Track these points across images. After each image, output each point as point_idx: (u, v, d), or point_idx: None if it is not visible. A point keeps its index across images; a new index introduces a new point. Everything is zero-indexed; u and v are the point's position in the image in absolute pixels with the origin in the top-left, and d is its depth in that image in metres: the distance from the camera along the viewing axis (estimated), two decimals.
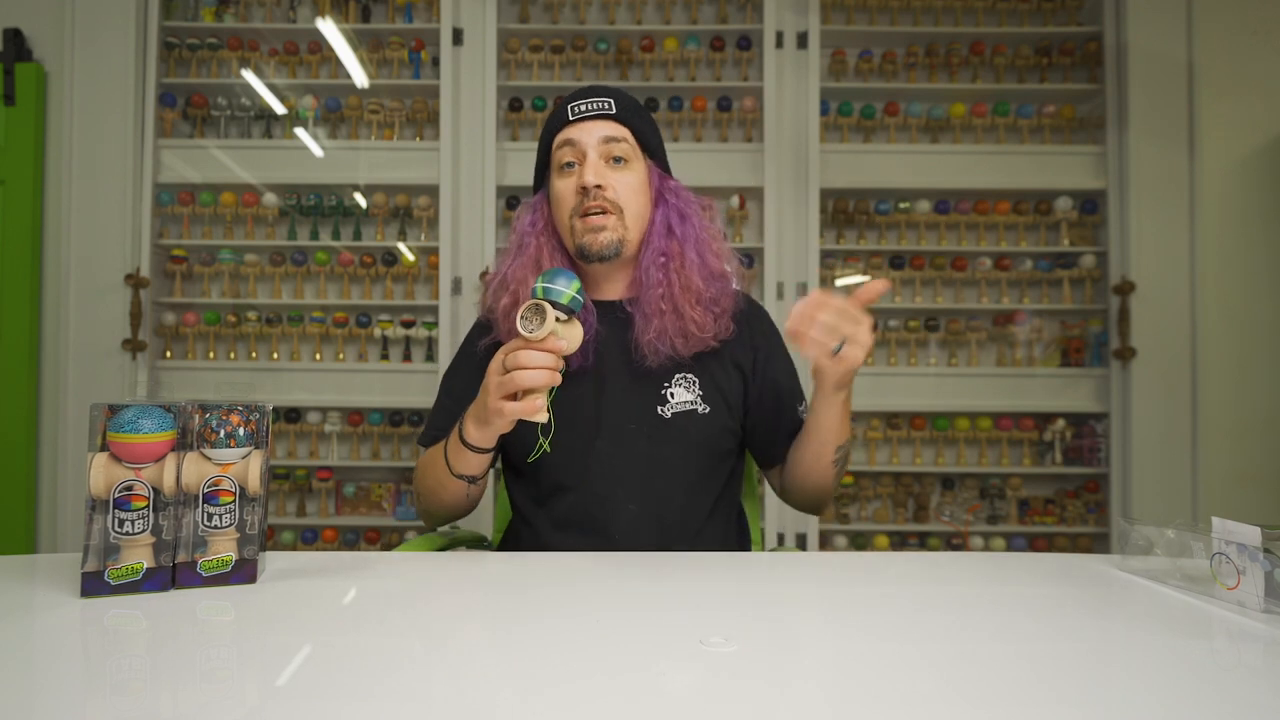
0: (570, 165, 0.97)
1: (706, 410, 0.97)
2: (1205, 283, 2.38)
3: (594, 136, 0.96)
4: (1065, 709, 0.44)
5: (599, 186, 0.94)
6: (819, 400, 0.91)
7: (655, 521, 0.94)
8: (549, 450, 0.92)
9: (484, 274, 1.09)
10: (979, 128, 2.55)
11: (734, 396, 1.00)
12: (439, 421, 1.01)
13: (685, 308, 0.95)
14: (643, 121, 1.01)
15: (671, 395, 0.97)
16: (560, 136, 0.98)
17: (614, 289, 1.03)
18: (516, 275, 0.98)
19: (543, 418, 0.78)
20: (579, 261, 0.99)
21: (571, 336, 0.79)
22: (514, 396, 0.79)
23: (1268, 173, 2.42)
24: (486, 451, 0.88)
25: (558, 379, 0.78)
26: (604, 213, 0.95)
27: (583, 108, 0.97)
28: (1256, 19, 2.44)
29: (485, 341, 1.01)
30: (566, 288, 0.78)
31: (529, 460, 0.94)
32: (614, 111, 0.98)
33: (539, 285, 0.78)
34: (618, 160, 0.97)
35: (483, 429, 0.84)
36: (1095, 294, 2.50)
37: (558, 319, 0.77)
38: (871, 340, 0.82)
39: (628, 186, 0.97)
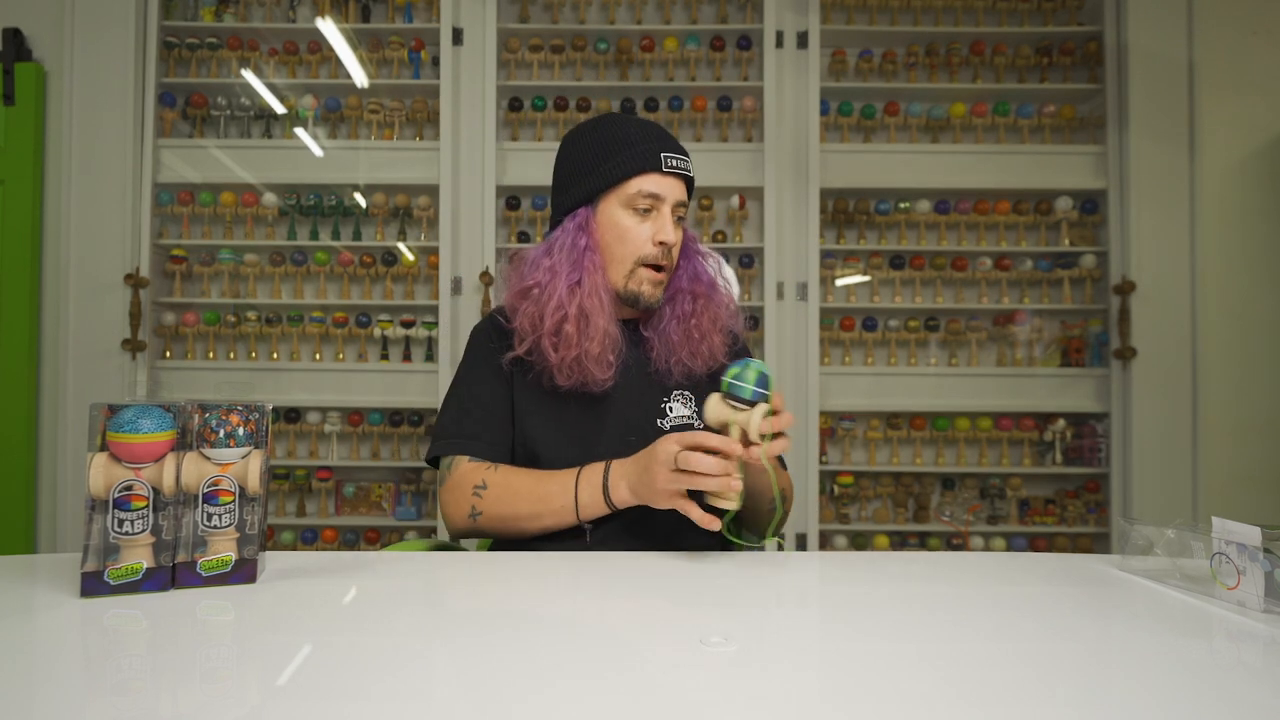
0: (647, 211, 0.99)
1: (701, 426, 1.00)
2: (1205, 283, 2.38)
3: (673, 197, 0.99)
4: (1065, 709, 0.44)
5: (670, 246, 0.99)
6: None
7: (645, 539, 0.94)
8: (730, 531, 0.87)
9: (513, 256, 1.04)
10: (979, 128, 2.55)
11: None
12: (472, 429, 0.98)
13: (711, 334, 1.03)
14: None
15: (670, 409, 1.01)
16: (647, 183, 0.97)
17: (627, 310, 1.05)
18: (563, 296, 0.95)
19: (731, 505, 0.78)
20: (622, 300, 1.01)
21: (749, 422, 0.78)
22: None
23: (1268, 173, 2.42)
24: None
25: (735, 485, 0.77)
26: (664, 269, 1.00)
27: (674, 163, 0.98)
28: (1256, 19, 2.44)
29: (510, 356, 0.98)
30: (756, 384, 0.79)
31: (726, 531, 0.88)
32: (690, 174, 1.02)
33: (737, 383, 0.79)
34: (679, 219, 1.01)
35: (637, 501, 0.86)
36: (1095, 294, 2.50)
37: (734, 407, 0.79)
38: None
39: (679, 247, 1.03)
